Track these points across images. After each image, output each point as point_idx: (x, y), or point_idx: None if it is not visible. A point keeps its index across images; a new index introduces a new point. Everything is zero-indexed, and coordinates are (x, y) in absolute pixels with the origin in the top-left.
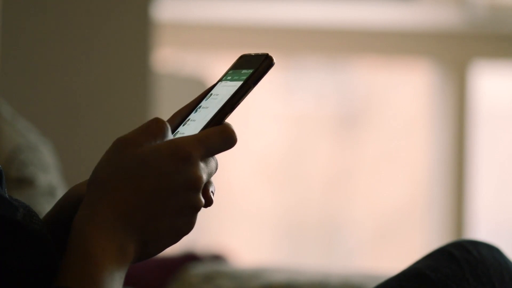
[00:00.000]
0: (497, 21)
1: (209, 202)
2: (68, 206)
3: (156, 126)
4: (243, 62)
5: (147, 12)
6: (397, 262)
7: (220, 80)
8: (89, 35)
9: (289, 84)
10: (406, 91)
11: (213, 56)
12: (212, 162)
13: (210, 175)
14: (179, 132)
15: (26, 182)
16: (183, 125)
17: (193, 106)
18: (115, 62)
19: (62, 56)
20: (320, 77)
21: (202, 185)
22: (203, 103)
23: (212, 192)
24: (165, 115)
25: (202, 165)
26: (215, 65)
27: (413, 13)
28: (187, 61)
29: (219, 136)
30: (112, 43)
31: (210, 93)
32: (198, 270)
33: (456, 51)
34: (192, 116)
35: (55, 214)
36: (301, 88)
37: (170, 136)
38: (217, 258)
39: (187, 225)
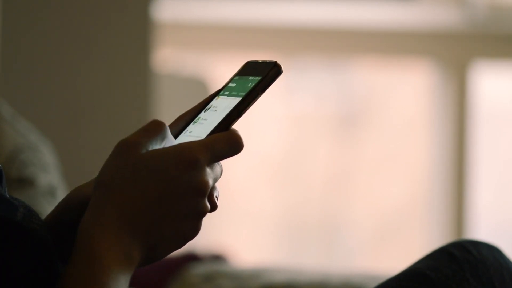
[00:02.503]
0: (497, 21)
1: (214, 207)
2: (70, 208)
3: (154, 126)
4: (249, 68)
5: (147, 12)
6: (397, 262)
7: (226, 85)
8: (89, 35)
9: (289, 84)
10: (406, 91)
11: (214, 56)
12: (217, 167)
13: (215, 180)
14: (188, 131)
15: (26, 182)
16: (194, 124)
17: (198, 109)
18: (116, 62)
19: (62, 56)
20: (320, 77)
21: (208, 191)
22: (213, 103)
23: (216, 197)
24: (165, 115)
25: (208, 170)
26: (215, 66)
27: (413, 13)
28: (187, 61)
29: (226, 142)
30: (112, 43)
31: (218, 96)
32: (198, 270)
33: (456, 51)
34: (203, 115)
35: (57, 215)
36: (301, 88)
37: (169, 135)
38: (217, 258)
39: (193, 230)
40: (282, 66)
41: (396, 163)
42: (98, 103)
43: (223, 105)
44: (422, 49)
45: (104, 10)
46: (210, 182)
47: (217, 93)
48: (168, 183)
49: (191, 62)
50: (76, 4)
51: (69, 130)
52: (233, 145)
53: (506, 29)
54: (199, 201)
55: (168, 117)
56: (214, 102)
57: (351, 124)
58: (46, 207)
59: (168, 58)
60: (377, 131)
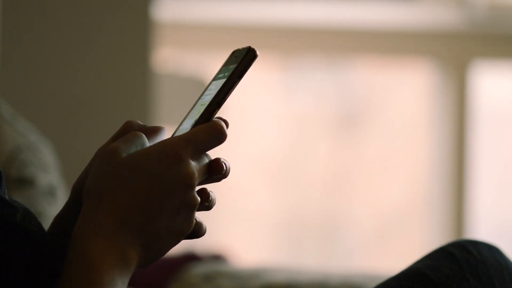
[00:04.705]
0: (497, 21)
1: (208, 201)
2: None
3: (132, 135)
4: (232, 57)
5: (147, 12)
6: (397, 262)
7: (215, 77)
8: (89, 35)
9: (289, 84)
10: (406, 91)
11: (213, 56)
12: (204, 159)
13: (204, 172)
14: (179, 129)
15: (26, 182)
16: (184, 121)
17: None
18: (116, 62)
19: (62, 56)
20: (320, 77)
21: (196, 183)
22: (200, 100)
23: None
24: (165, 115)
25: (193, 163)
26: (215, 65)
27: (413, 13)
28: (187, 61)
29: (207, 133)
30: (112, 43)
31: (206, 89)
32: (198, 270)
33: (456, 51)
34: (191, 113)
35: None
36: (301, 88)
37: (147, 143)
38: (217, 258)
39: (186, 224)
40: (256, 50)
41: (396, 163)
42: (98, 103)
43: (208, 97)
44: (422, 49)
45: (104, 10)
46: (197, 174)
47: (210, 84)
48: (154, 181)
49: (191, 62)
50: (76, 4)
51: (69, 130)
52: (215, 135)
53: (506, 29)
54: (187, 193)
55: (168, 117)
56: (204, 93)
57: (351, 124)
58: (46, 207)
59: (168, 58)
60: (377, 131)
